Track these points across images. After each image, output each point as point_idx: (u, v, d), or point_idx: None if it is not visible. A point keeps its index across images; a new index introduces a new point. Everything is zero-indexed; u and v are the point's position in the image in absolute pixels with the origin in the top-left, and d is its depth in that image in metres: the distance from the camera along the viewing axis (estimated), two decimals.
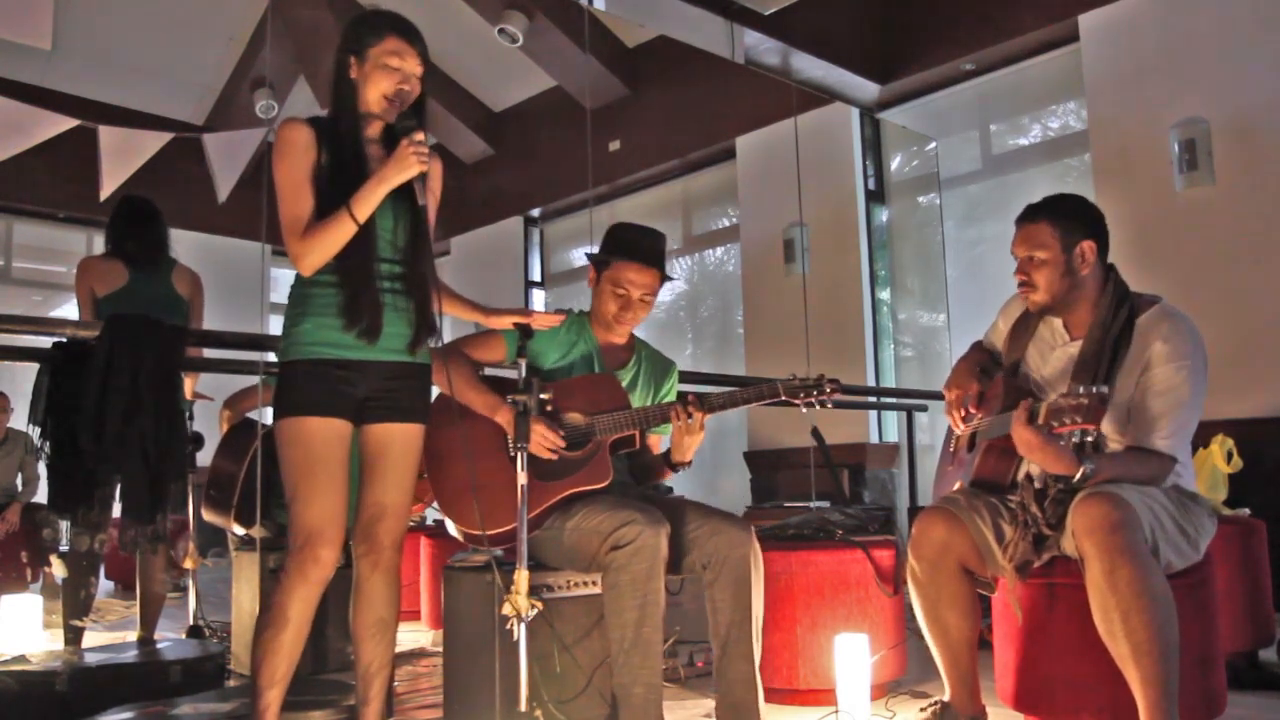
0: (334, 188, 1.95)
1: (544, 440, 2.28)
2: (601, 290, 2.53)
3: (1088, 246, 2.20)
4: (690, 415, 2.37)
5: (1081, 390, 1.87)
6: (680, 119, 7.06)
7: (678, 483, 5.55)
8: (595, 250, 2.59)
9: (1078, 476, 1.98)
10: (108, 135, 4.84)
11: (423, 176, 1.96)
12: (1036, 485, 2.13)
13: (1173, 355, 2.08)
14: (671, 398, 2.68)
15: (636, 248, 2.52)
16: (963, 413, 2.37)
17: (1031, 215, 2.23)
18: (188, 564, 3.52)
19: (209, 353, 3.66)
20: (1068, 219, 2.21)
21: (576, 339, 2.54)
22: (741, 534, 2.32)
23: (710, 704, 2.54)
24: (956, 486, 2.37)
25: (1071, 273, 2.20)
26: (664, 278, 2.54)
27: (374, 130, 2.06)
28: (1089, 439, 1.88)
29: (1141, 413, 2.10)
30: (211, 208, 5.28)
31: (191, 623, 3.54)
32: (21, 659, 2.73)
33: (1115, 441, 2.15)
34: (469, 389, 2.36)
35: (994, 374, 2.45)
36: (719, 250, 7.51)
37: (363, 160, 2.01)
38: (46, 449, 2.95)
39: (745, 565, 2.30)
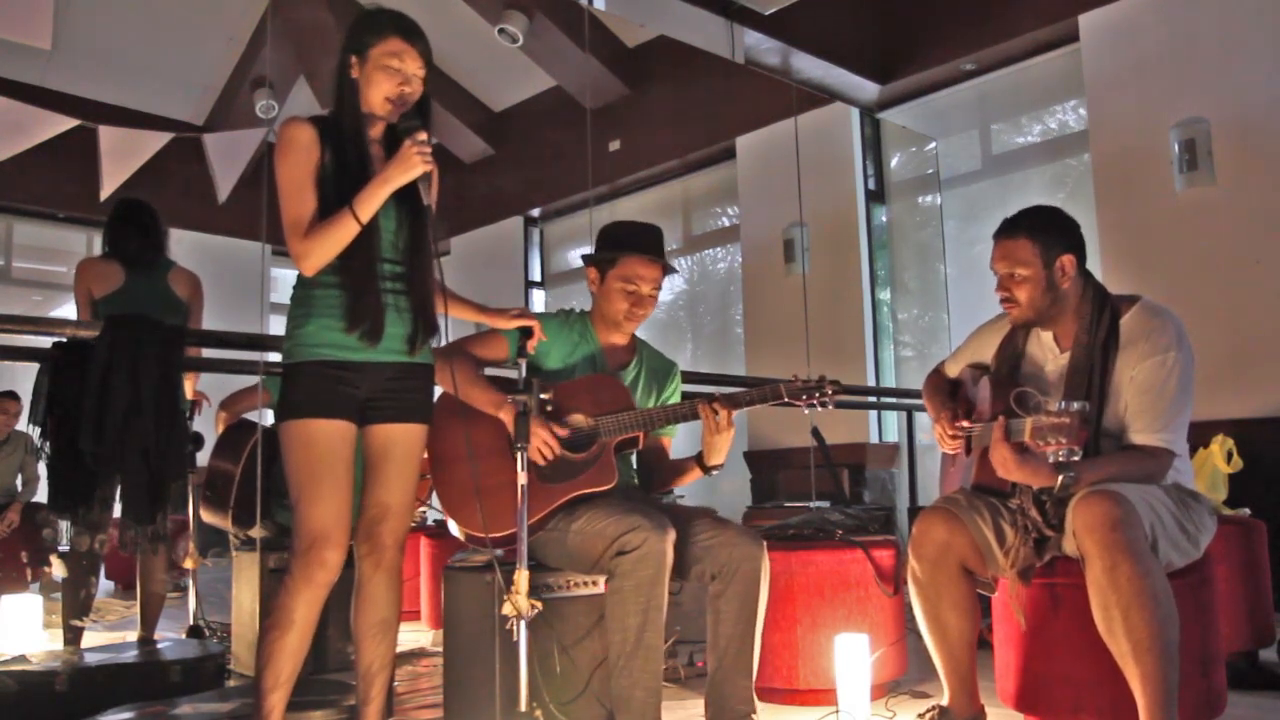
0: (337, 188, 1.95)
1: (543, 445, 2.27)
2: (608, 289, 2.51)
3: (1067, 260, 2.19)
4: (716, 413, 2.36)
5: (1062, 406, 1.87)
6: (680, 119, 7.06)
7: None
8: (591, 253, 2.59)
9: (1057, 487, 1.98)
10: (108, 135, 4.84)
11: (426, 177, 1.96)
12: (1035, 488, 2.13)
13: (1156, 349, 2.09)
14: (675, 399, 2.67)
15: (642, 242, 2.51)
16: (950, 433, 2.38)
17: (1010, 231, 2.22)
18: (188, 564, 3.52)
19: (209, 353, 3.66)
20: (1047, 233, 2.19)
21: (579, 340, 2.53)
22: (754, 549, 2.30)
23: None
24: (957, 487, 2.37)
25: (1053, 288, 2.19)
26: (667, 269, 2.54)
27: (376, 131, 2.06)
28: (1075, 458, 1.88)
29: (1132, 409, 2.10)
30: (211, 208, 5.28)
31: (191, 623, 3.54)
32: (21, 659, 2.73)
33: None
34: (472, 386, 2.34)
35: (969, 385, 2.46)
36: (719, 250, 7.51)
37: (365, 160, 2.00)
38: (46, 449, 2.95)
39: (755, 579, 2.28)
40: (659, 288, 2.53)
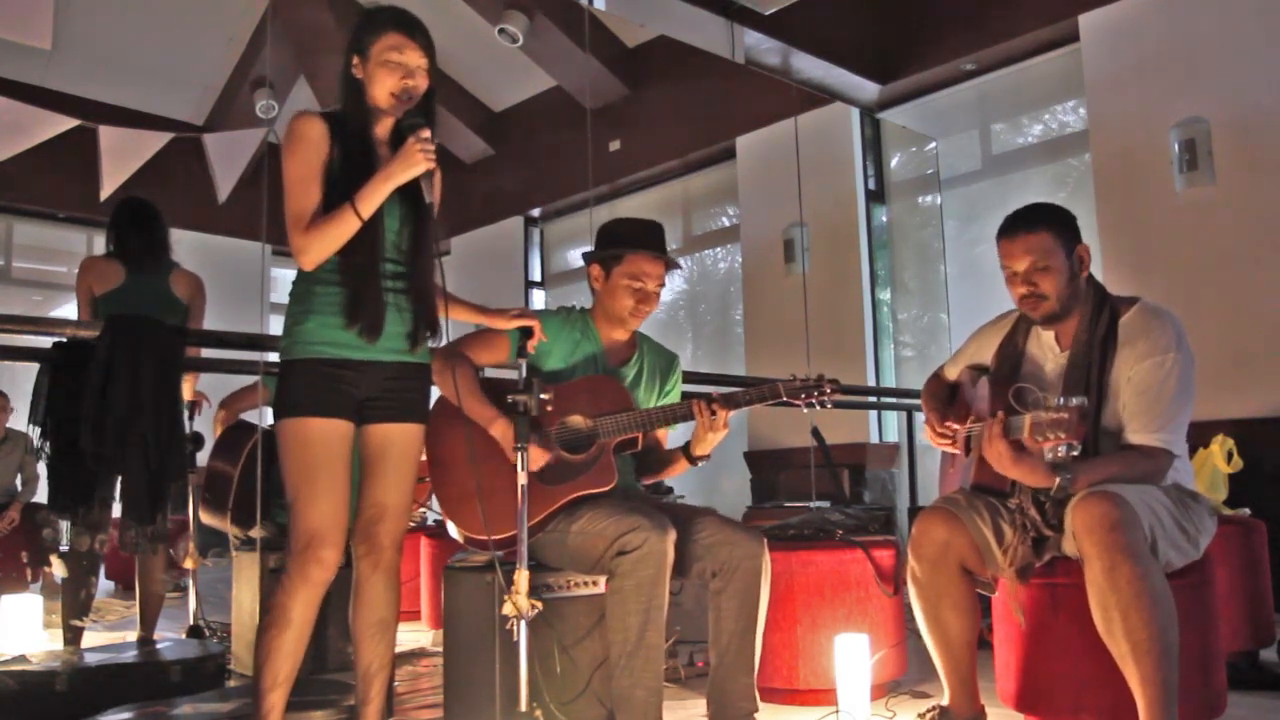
0: (343, 184, 1.94)
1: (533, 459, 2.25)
2: (614, 287, 2.50)
3: (1084, 251, 2.22)
4: (714, 413, 2.36)
5: (1061, 402, 1.87)
6: (680, 119, 7.06)
7: (678, 480, 5.56)
8: (592, 250, 2.58)
9: (1054, 489, 1.98)
10: (108, 135, 4.84)
11: (429, 174, 1.96)
12: (1034, 488, 2.13)
13: (1155, 349, 2.09)
14: (676, 392, 2.67)
15: (647, 239, 2.50)
16: (940, 431, 2.38)
17: (1028, 224, 2.22)
18: (188, 564, 3.52)
19: (209, 353, 3.66)
20: (1062, 226, 2.22)
21: (580, 338, 2.53)
22: (755, 546, 2.30)
23: None
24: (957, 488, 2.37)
25: (1075, 277, 2.21)
26: (671, 265, 2.53)
27: (383, 129, 2.06)
28: (1074, 453, 1.88)
29: (1130, 410, 2.10)
30: (211, 208, 5.28)
31: (191, 623, 3.54)
32: (21, 659, 2.73)
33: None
34: (469, 396, 2.33)
35: (969, 386, 2.46)
36: (719, 250, 7.51)
37: (372, 157, 2.00)
38: (46, 449, 2.95)
39: (756, 577, 2.29)
40: (663, 284, 2.53)
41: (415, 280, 2.04)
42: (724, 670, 2.29)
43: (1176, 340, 2.10)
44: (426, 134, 1.94)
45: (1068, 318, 2.24)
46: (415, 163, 1.92)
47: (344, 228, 1.91)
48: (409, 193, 1.99)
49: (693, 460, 2.50)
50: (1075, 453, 1.88)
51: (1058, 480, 1.96)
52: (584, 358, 2.51)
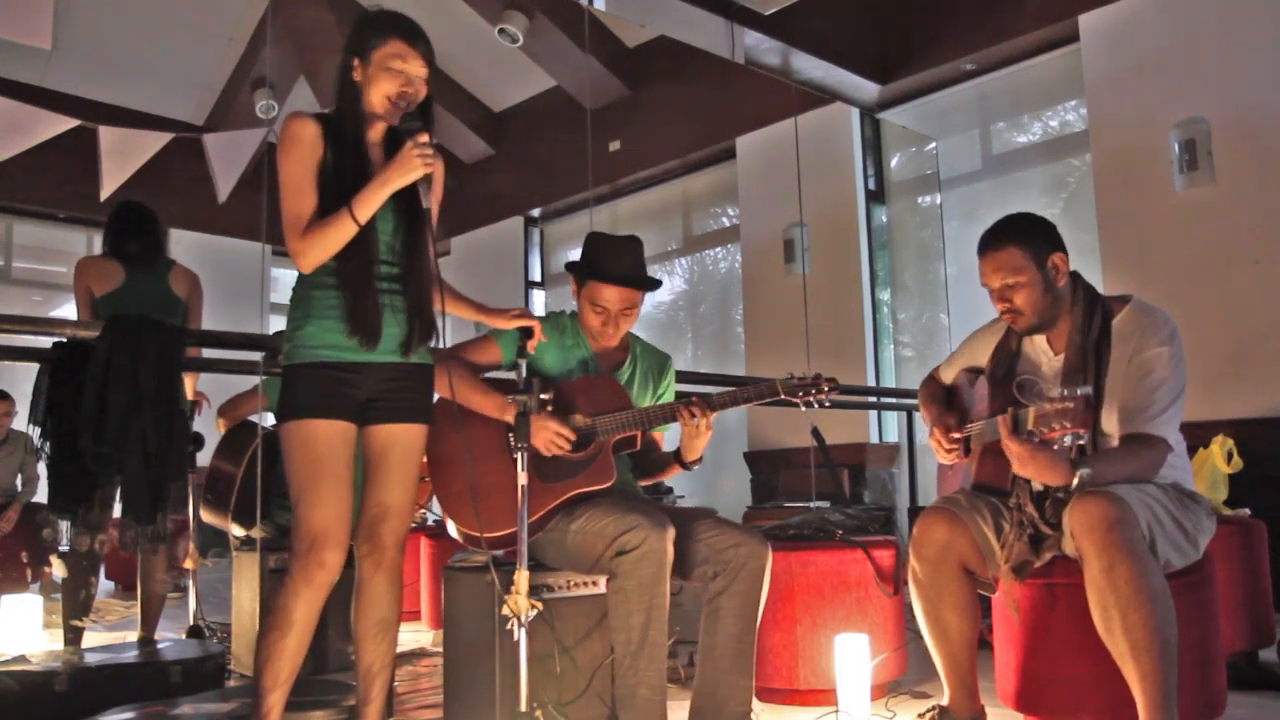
0: (336, 187, 1.95)
1: (555, 437, 2.27)
2: (582, 306, 2.50)
3: (1059, 259, 2.20)
4: (696, 417, 2.36)
5: (1065, 393, 1.87)
6: (680, 119, 7.06)
7: (678, 482, 5.55)
8: (574, 261, 2.55)
9: (1074, 484, 1.97)
10: (108, 135, 4.84)
11: (427, 179, 1.95)
12: (1036, 487, 2.13)
13: (1147, 344, 2.10)
14: (670, 394, 2.67)
15: (610, 267, 2.45)
16: (947, 446, 2.37)
17: (996, 242, 2.22)
18: (188, 564, 3.52)
19: (209, 353, 3.66)
20: (1032, 237, 2.20)
21: (572, 344, 2.52)
22: (760, 548, 2.29)
23: None
24: (957, 488, 2.37)
25: (1051, 288, 2.20)
26: (646, 289, 2.49)
27: (376, 132, 2.06)
28: (1080, 442, 1.87)
29: (1125, 402, 2.10)
30: (211, 208, 5.29)
31: (191, 623, 3.54)
32: (21, 659, 2.73)
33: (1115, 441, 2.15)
34: (472, 392, 2.34)
35: (966, 389, 2.46)
36: (719, 250, 7.51)
37: (365, 161, 2.00)
38: (46, 449, 2.95)
39: (759, 577, 2.28)
40: (634, 305, 2.48)
41: (410, 283, 2.04)
42: (718, 672, 2.29)
43: (1170, 336, 2.11)
44: (425, 139, 1.94)
45: (1053, 325, 2.24)
46: (412, 168, 1.92)
47: (341, 232, 1.91)
48: (404, 196, 1.98)
49: (685, 465, 2.51)
50: (1081, 442, 1.87)
51: (1078, 476, 1.94)
52: (577, 363, 2.51)
